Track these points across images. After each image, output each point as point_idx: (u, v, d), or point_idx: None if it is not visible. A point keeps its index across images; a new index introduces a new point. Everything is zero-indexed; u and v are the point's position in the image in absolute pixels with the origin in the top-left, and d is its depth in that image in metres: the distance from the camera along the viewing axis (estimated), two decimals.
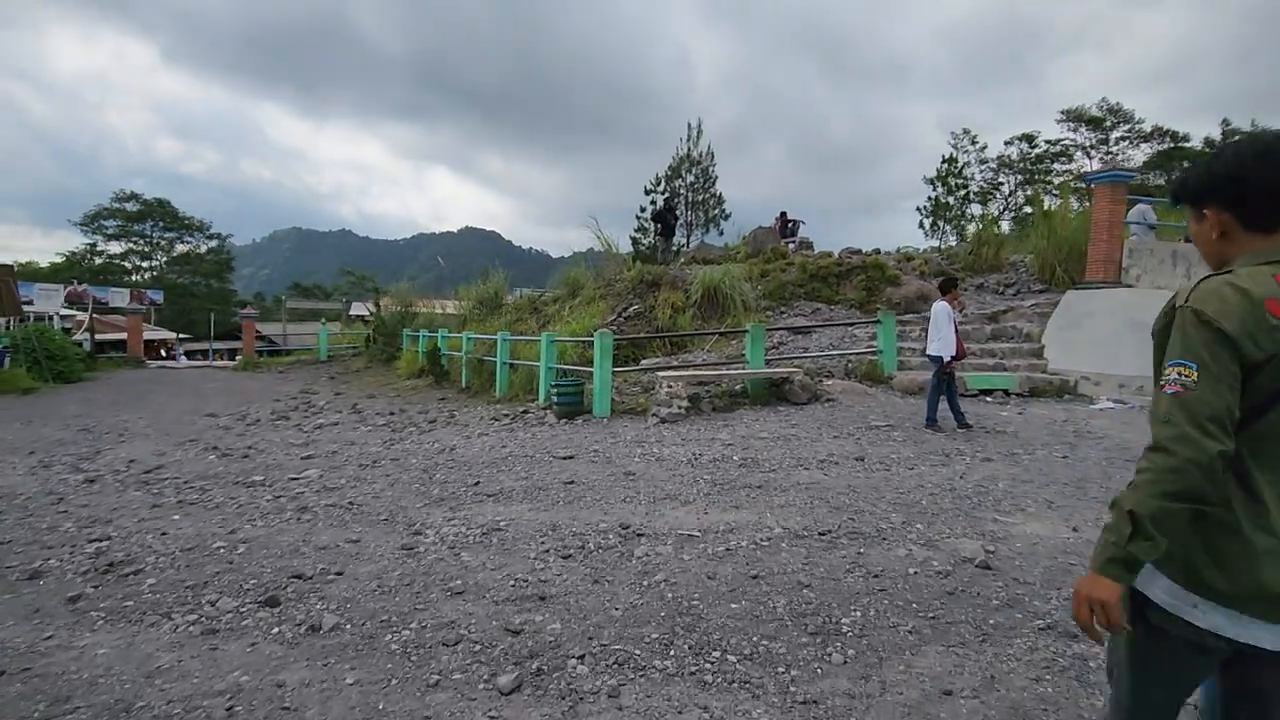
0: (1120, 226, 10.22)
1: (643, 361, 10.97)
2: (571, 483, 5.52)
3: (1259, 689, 1.29)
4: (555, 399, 8.72)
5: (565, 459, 6.44)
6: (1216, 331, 1.17)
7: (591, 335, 8.98)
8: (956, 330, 7.26)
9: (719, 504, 4.83)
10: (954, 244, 29.23)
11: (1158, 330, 1.31)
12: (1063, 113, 36.70)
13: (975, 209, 36.19)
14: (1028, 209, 29.71)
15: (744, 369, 9.30)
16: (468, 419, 9.91)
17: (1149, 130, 35.74)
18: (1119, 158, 32.99)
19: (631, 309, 13.14)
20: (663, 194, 14.98)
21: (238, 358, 24.64)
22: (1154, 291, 10.25)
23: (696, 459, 6.20)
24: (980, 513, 4.55)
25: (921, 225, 35.07)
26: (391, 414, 10.99)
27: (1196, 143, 33.33)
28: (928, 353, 7.49)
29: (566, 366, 10.27)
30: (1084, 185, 17.68)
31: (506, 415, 9.53)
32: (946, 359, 7.16)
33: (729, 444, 6.80)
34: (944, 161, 35.05)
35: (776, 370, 9.12)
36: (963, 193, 35.50)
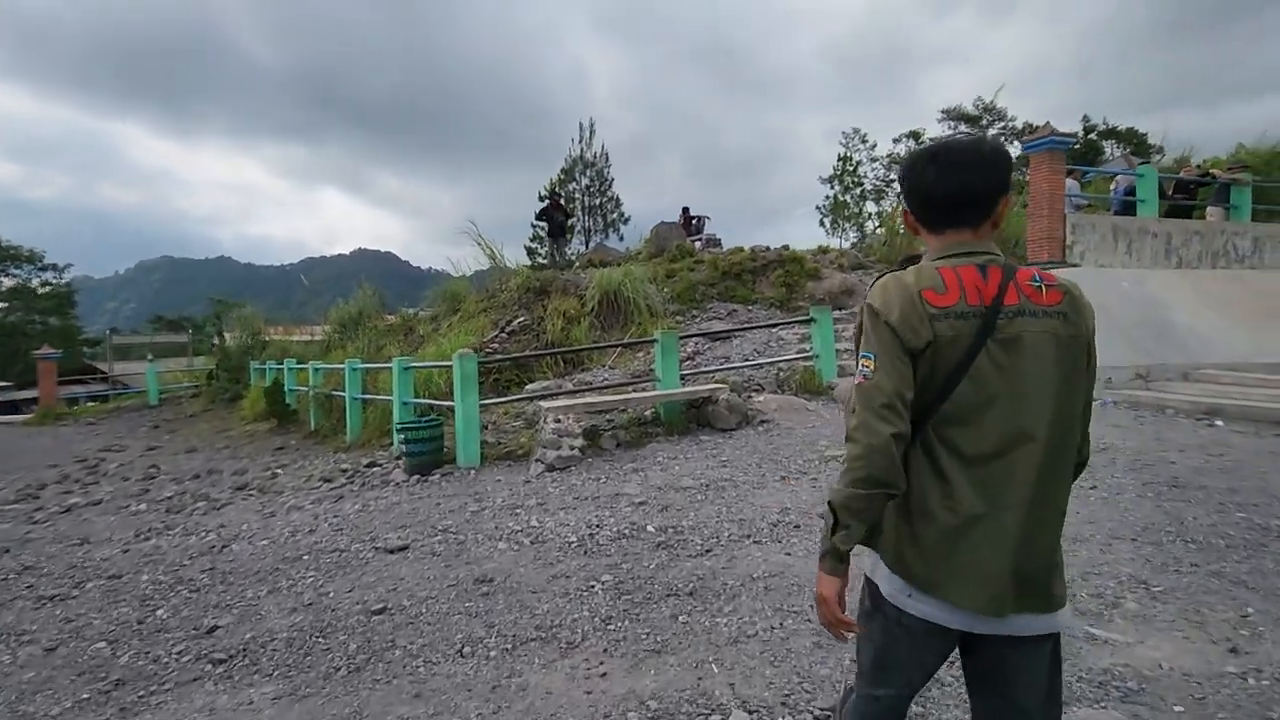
0: (1061, 199, 9.11)
1: (528, 386, 8.79)
2: (382, 611, 3.30)
3: (986, 669, 1.30)
4: (405, 448, 6.40)
5: (395, 552, 4.19)
6: (883, 324, 1.23)
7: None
8: None
9: (626, 648, 2.77)
10: (855, 240, 28.89)
11: (855, 326, 1.39)
12: (943, 112, 37.70)
13: (870, 206, 36.61)
14: None
15: (654, 390, 7.33)
16: (294, 479, 7.39)
17: (1020, 128, 37.42)
18: None
19: (517, 322, 10.94)
20: (550, 192, 13.00)
21: (34, 408, 20.13)
22: (1101, 271, 9.18)
23: (592, 538, 4.12)
24: None
25: (822, 224, 34.84)
26: (195, 477, 8.24)
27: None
28: None
29: (428, 401, 7.95)
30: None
31: (346, 471, 7.10)
32: None
33: (640, 502, 4.77)
34: (840, 160, 35.05)
35: (695, 389, 7.21)
36: (859, 190, 35.68)
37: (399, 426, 6.53)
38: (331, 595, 3.59)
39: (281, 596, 3.67)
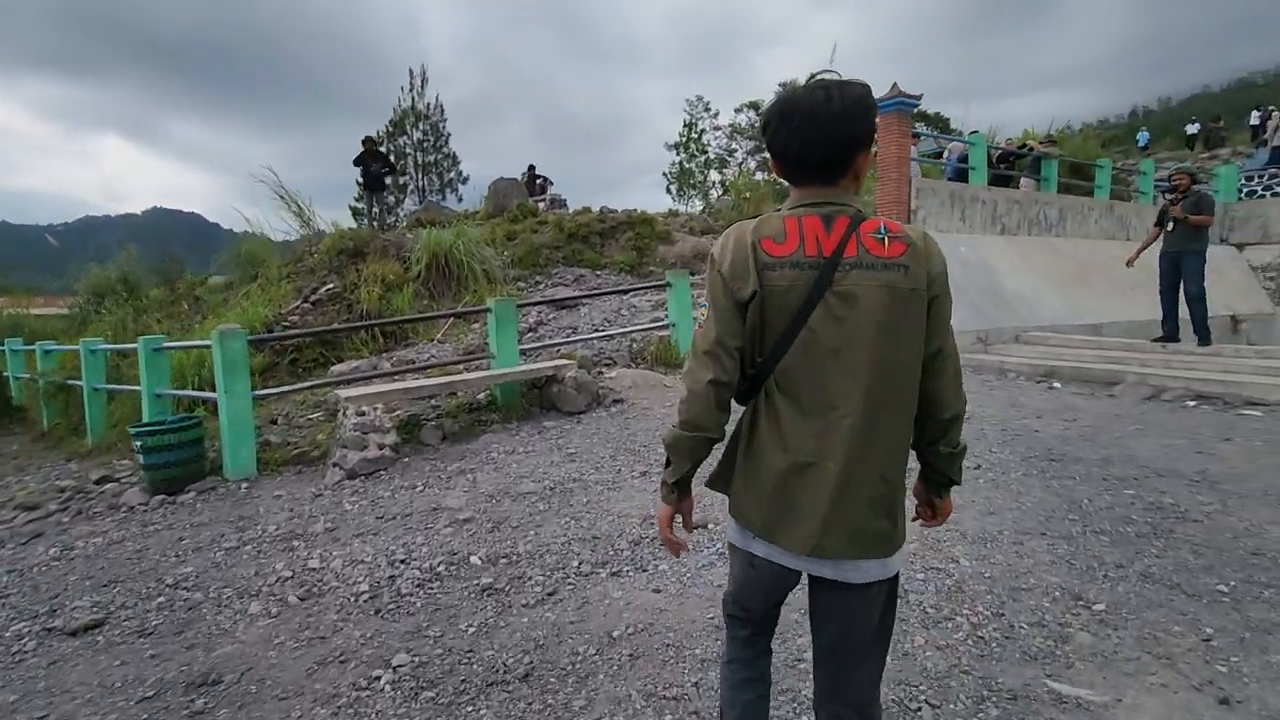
0: (908, 163, 9.05)
1: (334, 368, 7.23)
2: None
3: (820, 607, 1.34)
4: (143, 459, 4.74)
5: (77, 635, 2.77)
6: (717, 273, 1.27)
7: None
8: None
9: None
10: (703, 208, 28.98)
11: None
12: (781, 85, 39.20)
13: (715, 175, 37.13)
14: (759, 175, 30.69)
15: (489, 370, 6.18)
16: None
17: None
18: None
19: (325, 290, 9.15)
20: (366, 138, 10.85)
21: None
22: (942, 236, 9.28)
23: (392, 583, 2.98)
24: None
25: (669, 190, 34.70)
26: None
27: None
28: None
29: (192, 393, 6.18)
30: None
31: (63, 492, 5.23)
32: None
33: (464, 519, 3.68)
34: (685, 127, 34.98)
35: (537, 366, 6.15)
36: (703, 159, 35.96)
37: (135, 430, 4.82)
38: None
39: None
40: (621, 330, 7.66)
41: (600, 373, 6.67)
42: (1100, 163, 12.67)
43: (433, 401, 6.02)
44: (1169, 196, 7.44)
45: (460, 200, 25.23)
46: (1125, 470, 3.90)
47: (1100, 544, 2.93)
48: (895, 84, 8.75)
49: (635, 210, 13.03)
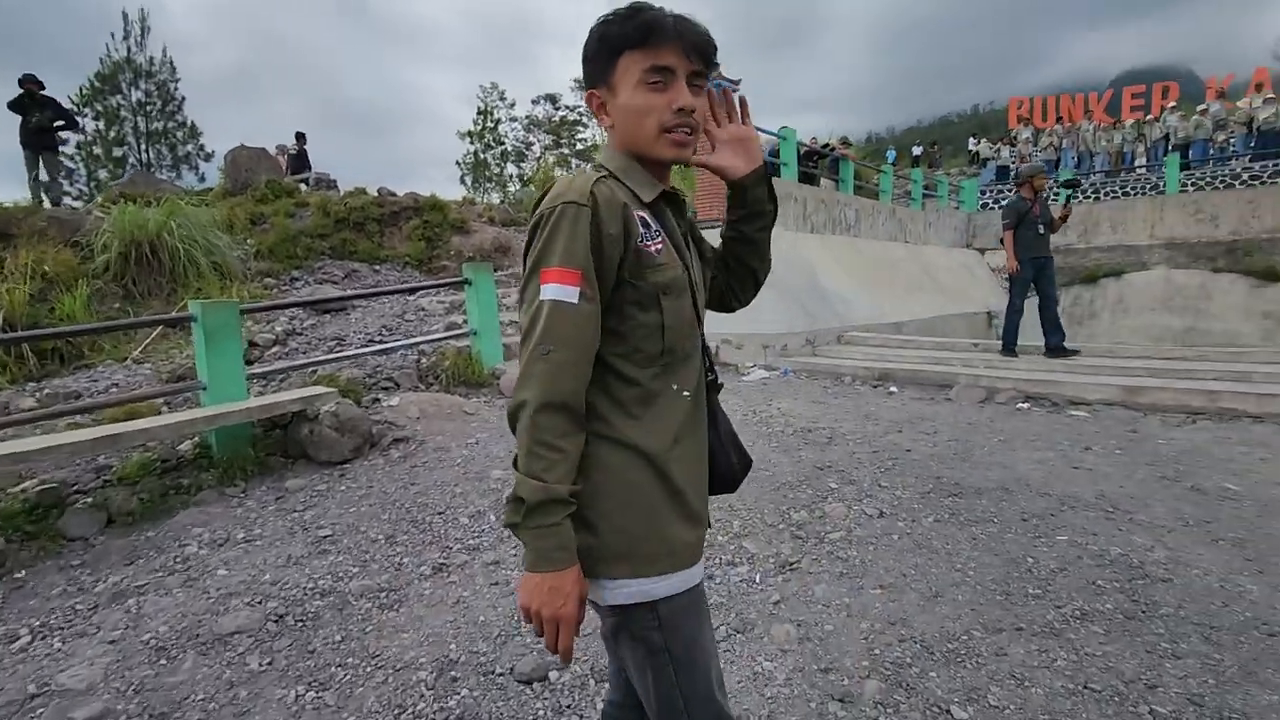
0: None
1: None
2: None
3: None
4: None
5: None
6: None
7: None
8: None
9: None
10: (500, 199, 27.26)
11: None
12: (575, 81, 38.51)
13: (512, 168, 35.55)
14: (558, 170, 29.73)
15: (198, 408, 4.21)
16: None
17: None
18: None
19: None
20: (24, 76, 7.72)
21: None
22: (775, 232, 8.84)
23: None
24: None
25: (463, 181, 32.33)
26: None
27: None
28: None
29: None
30: None
31: None
32: None
33: (89, 718, 1.95)
34: (479, 114, 32.84)
35: (277, 398, 4.29)
36: (500, 150, 34.16)
37: None
38: None
39: None
40: (406, 341, 5.96)
41: (376, 401, 4.97)
42: (884, 169, 13.44)
43: (100, 459, 3.92)
44: (1026, 198, 6.76)
45: (202, 179, 20.75)
46: (1032, 502, 3.30)
47: (1099, 642, 2.12)
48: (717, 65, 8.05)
49: (425, 195, 11.11)
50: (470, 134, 33.06)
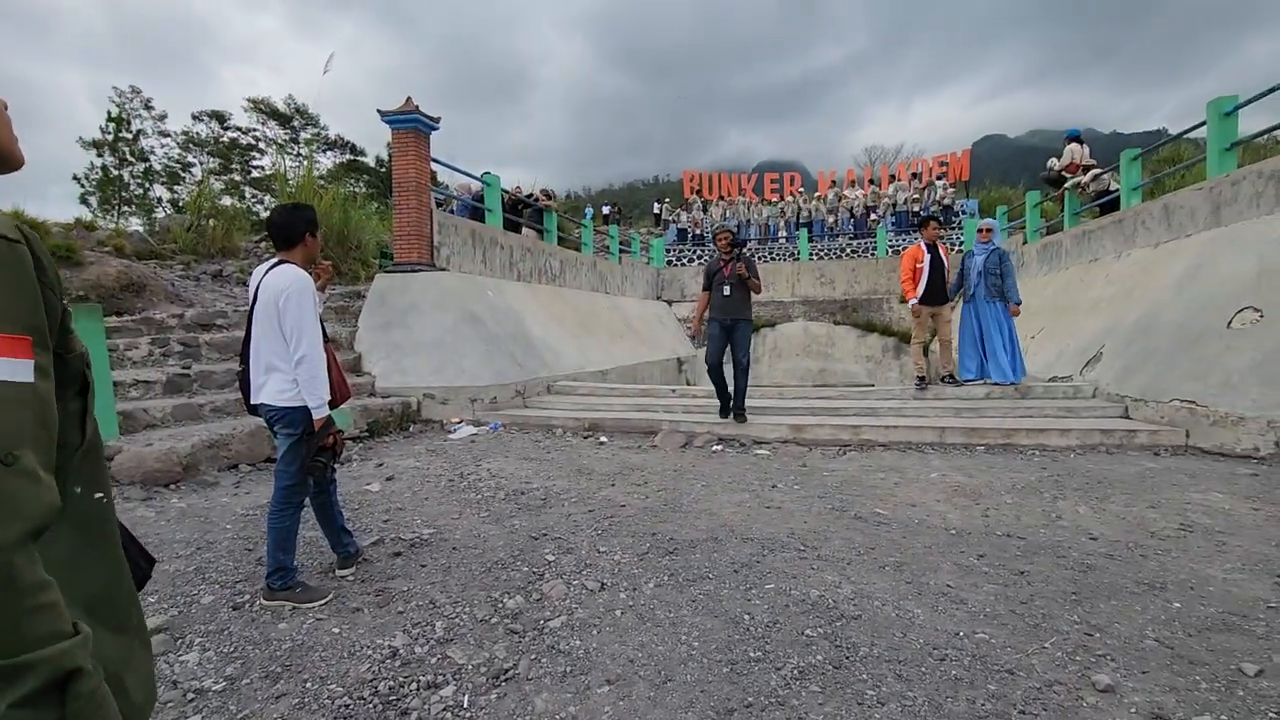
0: (428, 191, 7.85)
1: None
2: None
3: None
4: None
5: None
6: None
7: None
8: (327, 338, 3.03)
9: None
10: (145, 227, 22.29)
11: None
12: (249, 101, 33.88)
13: (164, 192, 29.66)
14: (228, 198, 25.49)
15: None
16: None
17: (334, 138, 37.08)
18: (312, 159, 32.58)
19: None
20: None
21: None
22: (468, 278, 8.41)
23: None
24: None
25: (86, 202, 25.55)
26: None
27: (370, 159, 36.48)
28: (266, 401, 2.92)
29: None
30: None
31: None
32: (320, 412, 2.88)
33: None
34: (111, 121, 26.57)
35: None
36: (143, 167, 28.13)
37: None
38: None
39: None
40: None
41: None
42: (584, 223, 14.10)
43: None
44: (722, 259, 6.34)
45: None
46: (739, 550, 3.39)
47: (818, 703, 2.10)
48: (410, 98, 7.51)
49: (13, 210, 8.27)
50: (96, 143, 26.58)
